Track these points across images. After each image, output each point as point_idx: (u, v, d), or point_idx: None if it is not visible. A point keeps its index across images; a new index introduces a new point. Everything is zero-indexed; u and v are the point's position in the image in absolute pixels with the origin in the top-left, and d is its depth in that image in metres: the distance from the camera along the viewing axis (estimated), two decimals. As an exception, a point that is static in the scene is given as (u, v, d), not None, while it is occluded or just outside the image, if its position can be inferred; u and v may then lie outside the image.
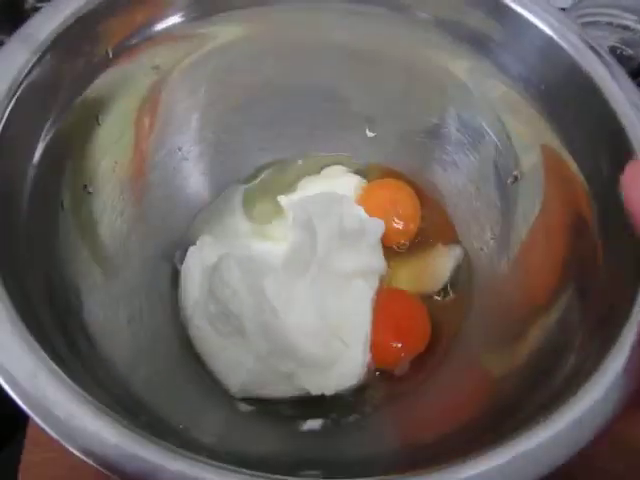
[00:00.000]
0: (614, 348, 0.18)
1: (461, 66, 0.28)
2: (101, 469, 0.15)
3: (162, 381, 0.26)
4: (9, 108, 0.20)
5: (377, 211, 0.33)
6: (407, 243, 0.34)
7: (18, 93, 0.20)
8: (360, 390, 0.29)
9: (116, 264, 0.28)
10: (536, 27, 0.24)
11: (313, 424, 0.28)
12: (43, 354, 0.17)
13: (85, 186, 0.26)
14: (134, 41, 0.24)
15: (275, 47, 0.29)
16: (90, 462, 0.15)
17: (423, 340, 0.30)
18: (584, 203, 0.24)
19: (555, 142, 0.26)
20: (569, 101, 0.24)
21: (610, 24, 0.30)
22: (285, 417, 0.28)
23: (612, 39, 0.31)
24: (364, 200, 0.34)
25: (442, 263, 0.33)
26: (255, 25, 0.27)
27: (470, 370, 0.28)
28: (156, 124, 0.28)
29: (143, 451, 0.16)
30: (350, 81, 0.31)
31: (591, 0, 0.30)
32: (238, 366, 0.28)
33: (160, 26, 0.25)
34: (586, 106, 0.24)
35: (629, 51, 0.31)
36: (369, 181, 0.35)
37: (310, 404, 0.28)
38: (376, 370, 0.29)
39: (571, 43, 0.24)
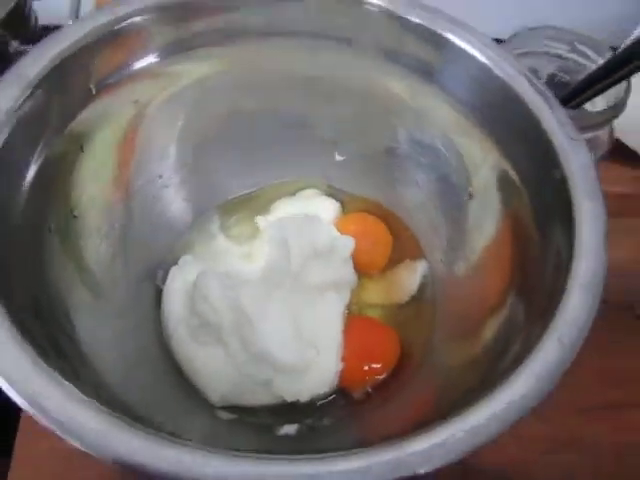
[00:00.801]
0: (546, 335, 0.20)
1: (408, 90, 0.31)
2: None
3: (149, 393, 0.27)
4: (3, 138, 0.22)
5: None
6: (378, 272, 0.36)
7: (11, 124, 0.22)
8: (333, 397, 0.31)
9: (102, 286, 0.29)
10: (473, 57, 0.27)
11: (289, 429, 0.29)
12: (39, 359, 0.19)
13: (71, 210, 0.28)
14: (115, 78, 0.27)
15: (245, 80, 0.31)
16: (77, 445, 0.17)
17: (386, 367, 0.31)
18: (527, 213, 0.27)
19: (501, 161, 0.29)
20: (508, 123, 0.27)
21: (547, 53, 0.34)
22: (263, 424, 0.30)
23: (550, 67, 0.34)
24: (339, 229, 0.36)
25: (409, 276, 0.35)
26: (226, 61, 0.30)
27: (437, 379, 0.30)
28: (136, 153, 0.30)
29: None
30: (315, 109, 0.34)
31: (527, 33, 0.33)
32: (218, 376, 0.29)
33: (139, 64, 0.27)
34: (522, 127, 0.27)
35: (566, 77, 0.34)
36: (341, 203, 0.38)
37: (286, 411, 0.30)
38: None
39: (505, 71, 0.27)
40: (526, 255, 0.26)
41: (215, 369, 0.29)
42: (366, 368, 0.31)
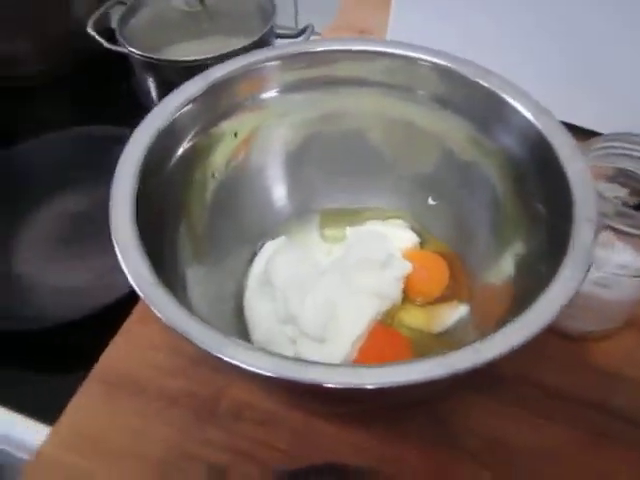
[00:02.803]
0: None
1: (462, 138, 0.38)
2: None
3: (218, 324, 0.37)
4: (174, 116, 0.35)
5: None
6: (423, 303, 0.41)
7: (183, 109, 0.35)
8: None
9: (214, 238, 0.40)
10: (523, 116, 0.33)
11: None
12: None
13: (212, 173, 0.40)
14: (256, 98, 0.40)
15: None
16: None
17: None
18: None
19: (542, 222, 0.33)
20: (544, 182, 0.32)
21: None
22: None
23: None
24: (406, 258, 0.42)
25: (450, 313, 0.40)
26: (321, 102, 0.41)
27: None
28: (262, 151, 0.42)
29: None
30: (406, 151, 0.42)
31: (626, 136, 0.35)
32: (261, 323, 0.38)
33: (265, 95, 0.40)
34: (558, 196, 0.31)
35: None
36: (422, 240, 0.44)
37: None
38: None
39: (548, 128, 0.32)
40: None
41: (262, 317, 0.39)
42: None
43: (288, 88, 0.40)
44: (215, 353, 0.24)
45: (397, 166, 0.43)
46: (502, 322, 0.26)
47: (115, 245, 0.28)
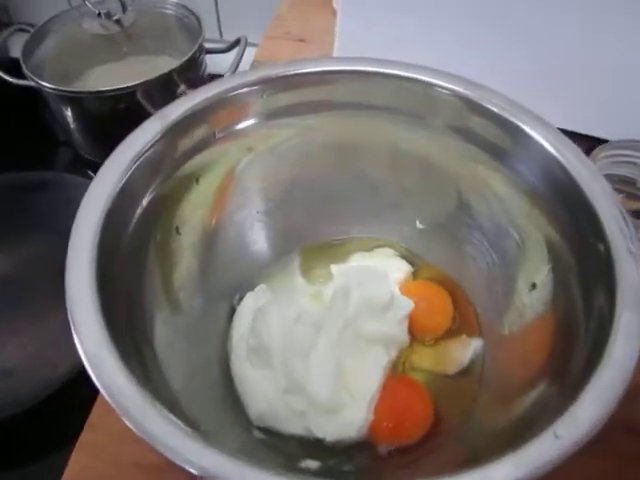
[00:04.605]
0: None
1: (477, 169, 0.34)
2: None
3: (202, 401, 0.31)
4: (131, 169, 0.28)
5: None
6: (432, 340, 0.37)
7: (141, 159, 0.29)
8: (359, 445, 0.32)
9: (184, 300, 0.34)
10: (540, 145, 0.29)
11: (311, 464, 0.31)
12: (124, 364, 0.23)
13: (177, 228, 0.34)
14: (226, 132, 0.33)
15: (328, 142, 0.37)
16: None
17: (415, 433, 0.33)
18: (577, 305, 0.27)
19: (564, 251, 0.29)
20: (570, 213, 0.28)
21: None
22: (290, 452, 0.32)
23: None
24: (404, 292, 0.38)
25: (462, 350, 0.36)
26: (311, 125, 0.36)
27: (466, 447, 0.31)
28: (236, 191, 0.36)
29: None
30: (396, 177, 0.38)
31: (627, 142, 0.34)
32: (260, 396, 0.33)
33: (242, 125, 0.34)
34: (584, 227, 0.27)
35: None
36: (415, 268, 0.40)
37: (313, 446, 0.32)
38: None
39: (568, 159, 0.29)
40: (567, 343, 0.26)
41: (259, 389, 0.33)
42: (394, 427, 0.32)
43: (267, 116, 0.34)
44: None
45: (382, 191, 0.39)
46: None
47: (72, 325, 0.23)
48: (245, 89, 0.32)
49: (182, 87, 0.61)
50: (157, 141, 0.30)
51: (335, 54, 0.54)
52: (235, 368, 0.35)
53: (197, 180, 0.34)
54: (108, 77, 0.62)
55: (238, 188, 0.36)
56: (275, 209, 0.38)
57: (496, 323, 0.35)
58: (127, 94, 0.57)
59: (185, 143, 0.32)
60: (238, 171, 0.35)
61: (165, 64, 0.60)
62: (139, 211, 0.30)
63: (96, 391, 0.23)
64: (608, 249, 0.26)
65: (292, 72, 0.33)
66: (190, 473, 0.20)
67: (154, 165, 0.30)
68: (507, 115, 0.31)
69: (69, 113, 0.60)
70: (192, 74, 0.63)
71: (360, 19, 0.51)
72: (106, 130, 0.61)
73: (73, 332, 0.23)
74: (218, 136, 0.33)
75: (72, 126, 0.62)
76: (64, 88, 0.56)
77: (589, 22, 0.43)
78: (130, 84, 0.56)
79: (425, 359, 0.36)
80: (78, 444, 0.35)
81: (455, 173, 0.35)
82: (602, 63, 0.44)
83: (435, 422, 0.33)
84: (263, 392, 0.33)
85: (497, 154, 0.32)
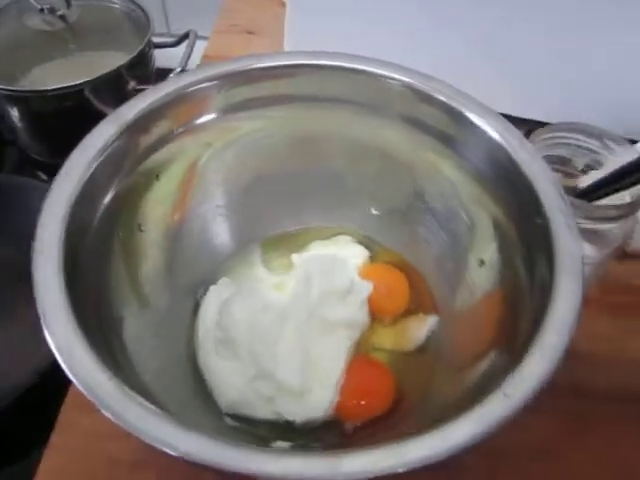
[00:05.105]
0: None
1: (431, 155, 0.36)
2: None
3: (173, 393, 0.32)
4: (92, 169, 0.29)
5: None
6: (391, 320, 0.39)
7: (101, 158, 0.29)
8: (327, 424, 0.34)
9: (151, 296, 0.34)
10: (484, 130, 0.32)
11: (283, 445, 0.32)
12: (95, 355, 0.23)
13: (139, 225, 0.34)
14: (186, 127, 0.34)
15: (289, 135, 0.37)
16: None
17: (379, 407, 0.34)
18: (522, 277, 0.30)
19: (509, 228, 0.32)
20: (516, 199, 0.31)
21: (579, 147, 0.36)
22: (261, 436, 0.33)
23: (584, 160, 0.37)
24: (363, 276, 0.40)
25: (418, 328, 0.38)
26: (272, 119, 0.37)
27: (427, 419, 0.33)
28: (196, 187, 0.37)
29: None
30: (352, 166, 0.39)
31: (564, 124, 0.36)
32: (229, 386, 0.34)
33: (201, 120, 0.34)
34: (527, 206, 0.30)
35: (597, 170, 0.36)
36: (373, 253, 0.42)
37: (283, 429, 0.33)
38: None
39: (510, 143, 0.31)
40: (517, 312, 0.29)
41: (228, 379, 0.34)
42: (359, 404, 0.34)
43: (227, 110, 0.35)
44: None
45: (340, 181, 0.40)
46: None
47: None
48: (203, 84, 0.33)
49: (132, 83, 0.61)
50: (116, 140, 0.30)
51: (285, 47, 0.54)
52: (203, 362, 0.35)
53: (157, 177, 0.34)
54: (55, 74, 0.61)
55: (200, 183, 0.37)
56: (236, 202, 0.39)
57: (449, 300, 0.37)
58: (75, 92, 0.56)
59: (144, 140, 0.32)
60: (199, 166, 0.36)
61: (113, 60, 0.59)
62: (102, 210, 0.30)
63: (64, 392, 0.24)
64: (547, 224, 0.28)
65: (249, 67, 0.33)
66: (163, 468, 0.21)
67: (115, 163, 0.30)
68: (453, 103, 0.33)
69: (15, 113, 0.58)
70: (141, 69, 0.62)
71: (309, 11, 0.52)
72: (54, 129, 0.60)
73: (43, 327, 0.24)
74: (177, 132, 0.33)
75: (18, 125, 0.60)
76: (9, 87, 0.54)
77: (525, 5, 0.45)
78: (77, 82, 0.55)
79: (385, 339, 0.38)
80: (49, 445, 0.35)
81: (409, 161, 0.37)
82: (539, 52, 0.47)
83: (397, 398, 0.35)
84: (232, 382, 0.34)
85: (446, 141, 0.34)
